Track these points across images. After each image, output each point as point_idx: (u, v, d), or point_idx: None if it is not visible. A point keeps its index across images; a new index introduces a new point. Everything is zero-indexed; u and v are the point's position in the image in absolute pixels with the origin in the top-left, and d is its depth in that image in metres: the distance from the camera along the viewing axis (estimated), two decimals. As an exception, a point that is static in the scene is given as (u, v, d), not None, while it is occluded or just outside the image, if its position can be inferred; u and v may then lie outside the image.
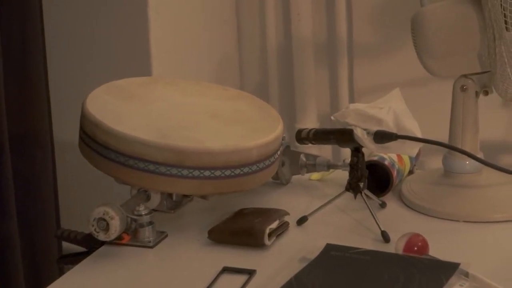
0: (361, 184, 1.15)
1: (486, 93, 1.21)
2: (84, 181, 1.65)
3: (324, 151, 1.87)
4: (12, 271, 1.44)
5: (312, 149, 1.39)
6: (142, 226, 1.11)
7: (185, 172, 1.07)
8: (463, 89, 1.20)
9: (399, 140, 1.10)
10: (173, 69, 1.71)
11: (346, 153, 1.53)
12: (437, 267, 0.94)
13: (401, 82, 1.85)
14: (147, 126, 1.12)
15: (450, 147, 1.20)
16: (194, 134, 1.11)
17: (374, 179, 1.23)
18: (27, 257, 1.52)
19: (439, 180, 1.24)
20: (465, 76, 1.20)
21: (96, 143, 1.11)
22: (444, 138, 1.20)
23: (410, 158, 1.33)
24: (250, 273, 1.00)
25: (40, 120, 1.56)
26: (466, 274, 0.94)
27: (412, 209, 1.20)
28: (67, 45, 1.67)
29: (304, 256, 1.03)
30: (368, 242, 1.08)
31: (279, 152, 1.18)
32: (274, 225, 1.10)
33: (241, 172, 1.10)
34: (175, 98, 1.23)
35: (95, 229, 1.05)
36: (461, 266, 0.94)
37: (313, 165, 1.30)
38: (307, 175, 1.33)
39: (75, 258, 1.10)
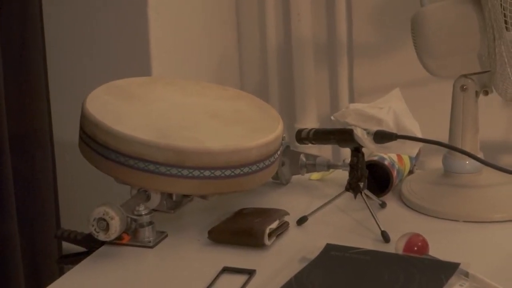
0: (361, 184, 1.15)
1: (486, 93, 1.21)
2: (84, 181, 1.65)
3: (324, 151, 1.87)
4: (12, 271, 1.44)
5: (312, 149, 1.39)
6: (142, 226, 1.11)
7: (185, 172, 1.07)
8: (463, 89, 1.20)
9: (399, 140, 1.10)
10: (173, 69, 1.71)
11: (346, 153, 1.52)
12: (437, 267, 0.94)
13: (401, 82, 1.85)
14: (147, 126, 1.12)
15: (450, 147, 1.20)
16: (194, 134, 1.11)
17: (374, 179, 1.24)
18: (27, 257, 1.52)
19: (439, 180, 1.24)
20: (465, 76, 1.20)
21: (96, 143, 1.11)
22: (444, 138, 1.20)
23: (410, 158, 1.33)
24: (250, 273, 1.00)
25: (40, 120, 1.56)
26: (466, 274, 0.94)
27: (412, 209, 1.20)
28: (67, 45, 1.67)
29: (304, 256, 1.03)
30: (368, 242, 1.08)
31: (279, 152, 1.18)
32: (274, 225, 1.10)
33: (241, 172, 1.10)
34: (175, 98, 1.23)
35: (95, 229, 1.05)
36: (461, 266, 0.94)
37: (313, 165, 1.30)
38: (307, 175, 1.33)
39: (75, 258, 1.10)
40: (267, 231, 1.07)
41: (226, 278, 1.00)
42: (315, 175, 1.35)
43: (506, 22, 1.08)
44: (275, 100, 2.04)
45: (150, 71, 1.62)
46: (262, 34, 2.04)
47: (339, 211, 1.20)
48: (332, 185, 1.31)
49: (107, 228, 1.04)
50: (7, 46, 1.47)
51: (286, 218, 1.14)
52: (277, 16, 2.02)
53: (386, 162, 1.25)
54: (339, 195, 1.18)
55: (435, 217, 1.17)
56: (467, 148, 1.19)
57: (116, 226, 1.04)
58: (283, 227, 1.12)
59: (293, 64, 2.03)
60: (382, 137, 1.10)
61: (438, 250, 1.00)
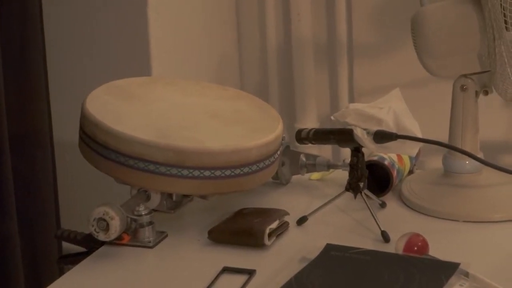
0: (361, 184, 1.15)
1: (486, 93, 1.21)
2: (84, 181, 1.65)
3: (324, 151, 1.87)
4: (12, 271, 1.44)
5: (312, 149, 1.39)
6: (142, 226, 1.11)
7: (185, 172, 1.07)
8: (463, 89, 1.20)
9: (399, 140, 1.10)
10: (173, 69, 1.71)
11: (346, 153, 1.53)
12: (437, 267, 0.94)
13: (401, 82, 1.85)
14: (147, 126, 1.12)
15: (450, 147, 1.20)
16: (194, 134, 1.11)
17: (374, 179, 1.24)
18: (27, 257, 1.52)
19: (439, 180, 1.24)
20: (465, 76, 1.20)
21: (96, 143, 1.11)
22: (444, 138, 1.20)
23: (410, 158, 1.33)
24: (250, 273, 1.00)
25: (40, 120, 1.56)
26: (466, 274, 0.94)
27: (412, 209, 1.20)
28: (67, 45, 1.67)
29: (304, 256, 1.03)
30: (368, 242, 1.08)
31: (279, 152, 1.18)
32: (274, 225, 1.10)
33: (241, 172, 1.10)
34: (175, 98, 1.23)
35: (95, 229, 1.05)
36: (461, 266, 0.94)
37: (313, 165, 1.30)
38: (307, 175, 1.33)
39: (75, 258, 1.10)
40: (267, 231, 1.07)
41: (226, 278, 1.00)
42: (315, 175, 1.35)
43: (506, 22, 1.08)
44: (275, 100, 2.04)
45: (150, 71, 1.62)
46: (262, 34, 2.04)
47: (339, 211, 1.20)
48: (332, 185, 1.31)
49: (107, 228, 1.04)
50: (7, 46, 1.47)
51: (286, 218, 1.14)
52: (277, 16, 2.02)
53: (386, 162, 1.25)
54: (339, 195, 1.18)
55: (435, 217, 1.17)
56: (467, 148, 1.19)
57: (116, 226, 1.04)
58: (283, 227, 1.12)
59: (293, 64, 2.03)
60: (382, 137, 1.10)
61: (438, 250, 1.00)
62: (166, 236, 1.14)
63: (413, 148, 1.13)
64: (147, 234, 1.11)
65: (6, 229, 1.43)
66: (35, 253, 1.56)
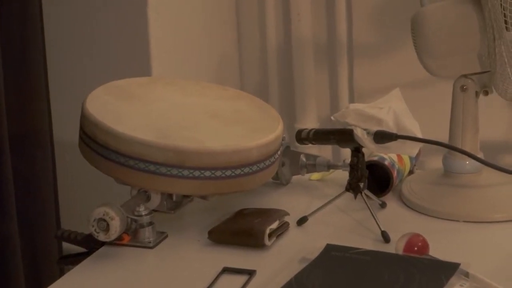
0: (361, 184, 1.15)
1: (486, 93, 1.21)
2: (84, 181, 1.65)
3: (324, 151, 1.87)
4: (12, 271, 1.44)
5: (312, 149, 1.39)
6: (142, 226, 1.11)
7: (185, 172, 1.07)
8: (463, 89, 1.20)
9: (399, 140, 1.10)
10: (173, 69, 1.71)
11: (346, 153, 1.52)
12: (437, 267, 0.94)
13: (401, 82, 1.85)
14: (147, 126, 1.12)
15: (450, 147, 1.20)
16: (194, 134, 1.11)
17: (374, 179, 1.24)
18: (27, 257, 1.52)
19: (439, 180, 1.24)
20: (465, 76, 1.20)
21: (96, 143, 1.11)
22: (444, 138, 1.20)
23: (410, 158, 1.33)
24: (250, 273, 1.00)
25: (40, 120, 1.56)
26: (466, 274, 0.94)
27: (412, 209, 1.20)
28: (67, 45, 1.67)
29: (304, 257, 1.03)
30: (368, 242, 1.08)
31: (279, 152, 1.18)
32: (274, 225, 1.09)
33: (242, 172, 1.10)
34: (175, 98, 1.23)
35: (95, 230, 1.05)
36: (461, 266, 0.94)
37: (313, 165, 1.30)
38: (307, 175, 1.33)
39: (75, 259, 1.10)
40: (267, 231, 1.07)
41: (226, 278, 1.00)
42: (315, 175, 1.35)
43: (506, 22, 1.08)
44: (275, 100, 2.04)
45: (150, 71, 1.62)
46: (262, 34, 2.04)
47: (339, 211, 1.20)
48: (332, 185, 1.31)
49: (107, 229, 1.04)
50: (7, 46, 1.47)
51: (286, 219, 1.14)
52: (277, 16, 2.02)
53: (386, 162, 1.25)
54: (339, 195, 1.18)
55: (435, 217, 1.17)
56: (467, 148, 1.19)
57: (116, 226, 1.04)
58: (283, 228, 1.12)
59: (293, 64, 2.03)
60: (382, 137, 1.10)
61: (438, 250, 1.00)
62: (166, 236, 1.14)
63: (413, 148, 1.13)
64: (147, 234, 1.11)
65: (6, 229, 1.43)
66: (35, 253, 1.56)
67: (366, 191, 1.16)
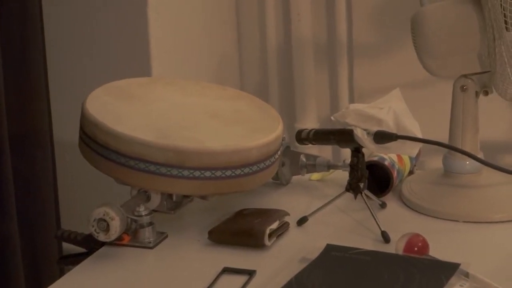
0: (361, 185, 1.15)
1: (486, 93, 1.21)
2: (84, 181, 1.65)
3: (324, 151, 1.87)
4: (12, 272, 1.44)
5: (312, 149, 1.39)
6: (142, 226, 1.11)
7: (185, 172, 1.07)
8: (463, 89, 1.20)
9: (399, 140, 1.10)
10: (173, 69, 1.71)
11: (346, 153, 1.52)
12: (437, 267, 0.94)
13: (401, 82, 1.84)
14: (147, 126, 1.11)
15: (450, 147, 1.20)
16: (194, 134, 1.11)
17: (374, 180, 1.24)
18: (27, 257, 1.52)
19: (439, 180, 1.24)
20: (465, 76, 1.20)
21: (96, 143, 1.11)
22: (444, 138, 1.20)
23: (410, 158, 1.32)
24: (250, 273, 1.00)
25: (40, 120, 1.56)
26: (466, 274, 0.94)
27: (412, 209, 1.20)
28: (67, 45, 1.67)
29: (304, 257, 1.03)
30: (368, 243, 1.08)
31: (279, 152, 1.18)
32: (274, 225, 1.09)
33: (242, 173, 1.10)
34: (175, 98, 1.23)
35: (95, 230, 1.05)
36: (461, 266, 0.94)
37: (313, 165, 1.30)
38: (307, 176, 1.33)
39: (75, 259, 1.10)
40: (267, 231, 1.07)
41: (226, 278, 1.00)
42: (315, 176, 1.35)
43: (506, 22, 1.08)
44: (275, 100, 2.04)
45: (150, 71, 1.62)
46: (262, 34, 2.04)
47: (339, 212, 1.20)
48: (332, 185, 1.31)
49: (107, 229, 1.04)
50: (7, 46, 1.47)
51: (286, 219, 1.14)
52: (277, 16, 2.02)
53: (386, 163, 1.25)
54: (339, 195, 1.18)
55: (435, 217, 1.17)
56: (467, 148, 1.19)
57: (116, 226, 1.04)
58: (283, 228, 1.12)
59: (293, 64, 2.03)
60: (382, 137, 1.10)
61: (438, 250, 1.00)
62: (166, 236, 1.14)
63: (413, 149, 1.13)
64: (147, 234, 1.11)
65: (6, 229, 1.43)
66: (35, 253, 1.56)
67: (366, 191, 1.16)
